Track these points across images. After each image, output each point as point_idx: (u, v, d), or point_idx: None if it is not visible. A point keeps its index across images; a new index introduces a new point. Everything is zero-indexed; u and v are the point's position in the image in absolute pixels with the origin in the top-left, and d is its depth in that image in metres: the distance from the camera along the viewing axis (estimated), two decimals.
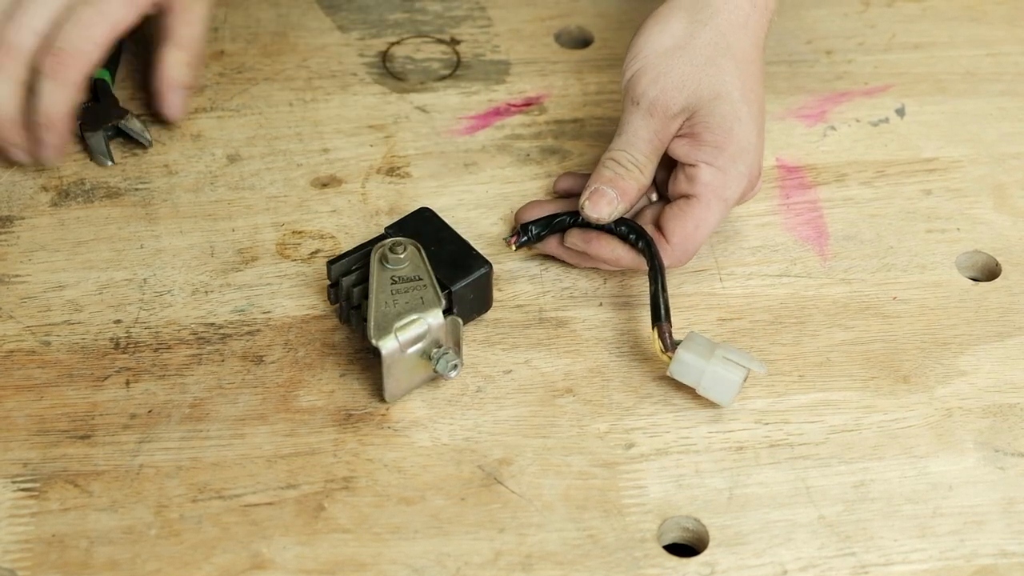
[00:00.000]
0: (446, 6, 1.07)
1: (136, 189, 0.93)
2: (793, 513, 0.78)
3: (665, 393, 0.83)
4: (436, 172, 0.95)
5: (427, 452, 0.80)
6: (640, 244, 0.85)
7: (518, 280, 0.89)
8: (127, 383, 0.83)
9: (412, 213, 0.88)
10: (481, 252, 0.85)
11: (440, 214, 0.88)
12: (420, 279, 0.82)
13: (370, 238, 0.87)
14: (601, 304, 0.88)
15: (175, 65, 0.94)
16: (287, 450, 0.80)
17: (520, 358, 0.85)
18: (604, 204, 0.86)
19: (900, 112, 1.00)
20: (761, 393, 0.83)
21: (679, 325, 0.85)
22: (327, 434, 0.81)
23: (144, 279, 0.88)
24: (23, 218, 0.91)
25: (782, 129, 0.99)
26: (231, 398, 0.82)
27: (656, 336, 0.82)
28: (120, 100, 0.97)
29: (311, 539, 0.76)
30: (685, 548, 0.78)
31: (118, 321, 0.86)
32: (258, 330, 0.86)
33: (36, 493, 0.78)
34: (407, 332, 0.80)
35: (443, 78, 1.02)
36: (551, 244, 0.89)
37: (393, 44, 1.04)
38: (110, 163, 0.94)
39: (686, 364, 0.81)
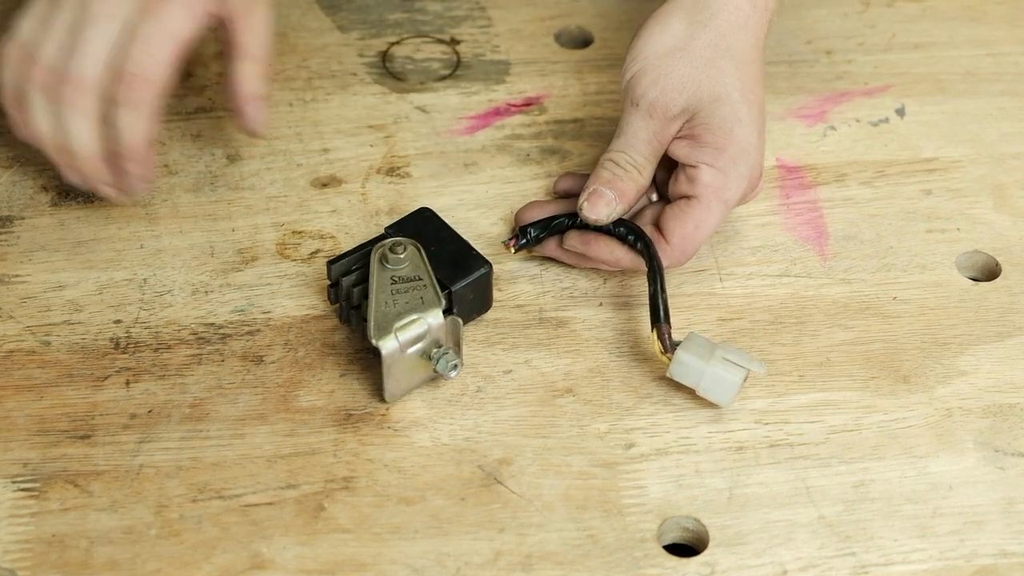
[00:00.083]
0: (446, 6, 1.07)
1: None
2: (793, 513, 0.78)
3: (665, 393, 0.83)
4: (436, 172, 0.95)
5: (427, 452, 0.80)
6: (639, 245, 0.85)
7: (518, 280, 0.89)
8: (127, 383, 0.83)
9: (412, 213, 0.88)
10: (481, 252, 0.85)
11: (440, 214, 0.88)
12: (420, 279, 0.82)
13: (370, 238, 0.87)
14: (601, 304, 0.88)
15: (248, 78, 0.87)
16: (287, 450, 0.80)
17: (520, 358, 0.85)
18: (602, 205, 0.86)
19: (900, 112, 1.00)
20: (761, 393, 0.83)
21: (679, 325, 0.85)
22: (327, 434, 0.81)
23: (144, 279, 0.88)
24: (23, 218, 0.91)
25: (782, 129, 0.99)
26: (231, 398, 0.82)
27: (655, 337, 0.82)
28: None
29: (311, 539, 0.76)
30: (685, 548, 0.78)
31: (118, 321, 0.86)
32: (258, 330, 0.86)
33: (36, 493, 0.78)
34: (407, 332, 0.80)
35: (443, 78, 1.02)
36: (550, 246, 0.89)
37: (393, 44, 1.04)
38: None
39: (685, 365, 0.81)
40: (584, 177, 0.89)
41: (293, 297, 0.87)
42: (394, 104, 1.00)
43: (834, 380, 0.84)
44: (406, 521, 0.77)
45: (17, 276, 0.88)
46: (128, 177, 0.85)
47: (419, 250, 0.83)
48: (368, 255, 0.84)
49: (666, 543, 0.77)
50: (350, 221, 0.92)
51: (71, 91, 0.82)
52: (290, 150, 0.96)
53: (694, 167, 0.85)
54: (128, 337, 0.85)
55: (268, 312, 0.87)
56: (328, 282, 0.86)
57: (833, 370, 0.85)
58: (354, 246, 0.86)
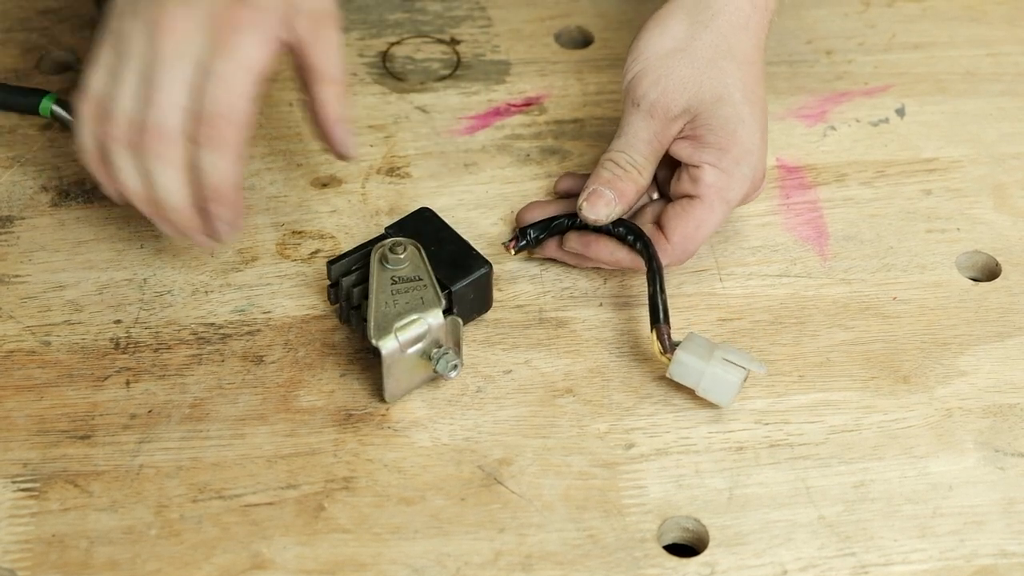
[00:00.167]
0: (446, 6, 1.07)
1: None
2: (793, 513, 0.78)
3: (665, 393, 0.83)
4: (436, 172, 0.95)
5: (427, 452, 0.80)
6: (638, 245, 0.85)
7: (518, 280, 0.89)
8: (127, 383, 0.83)
9: (412, 213, 0.88)
10: (481, 252, 0.85)
11: (440, 214, 0.88)
12: (420, 279, 0.82)
13: (370, 238, 0.87)
14: (601, 304, 0.88)
15: (331, 102, 0.82)
16: (287, 450, 0.80)
17: (520, 358, 0.85)
18: (602, 205, 0.86)
19: (900, 112, 1.00)
20: (761, 393, 0.83)
21: (679, 325, 0.85)
22: (327, 434, 0.81)
23: (144, 279, 0.88)
24: (23, 218, 0.91)
25: (782, 129, 0.99)
26: (231, 398, 0.82)
27: (655, 338, 0.82)
28: None
29: (311, 539, 0.76)
30: (685, 548, 0.78)
31: (118, 321, 0.86)
32: (258, 330, 0.86)
33: (36, 493, 0.78)
34: (407, 332, 0.80)
35: (443, 78, 1.02)
36: (550, 247, 0.89)
37: (393, 44, 1.04)
38: None
39: (685, 366, 0.81)
40: (584, 177, 0.89)
41: (293, 297, 0.87)
42: (394, 104, 1.00)
43: (834, 380, 0.84)
44: (406, 521, 0.77)
45: (17, 276, 0.88)
46: (216, 221, 0.80)
47: (419, 250, 0.83)
48: (368, 255, 0.84)
49: (666, 543, 0.77)
50: (350, 221, 0.92)
51: (154, 142, 0.78)
52: (290, 150, 0.96)
53: (697, 167, 0.85)
54: (128, 337, 0.85)
55: (268, 312, 0.87)
56: (328, 282, 0.86)
57: (833, 370, 0.85)
58: (354, 246, 0.86)
